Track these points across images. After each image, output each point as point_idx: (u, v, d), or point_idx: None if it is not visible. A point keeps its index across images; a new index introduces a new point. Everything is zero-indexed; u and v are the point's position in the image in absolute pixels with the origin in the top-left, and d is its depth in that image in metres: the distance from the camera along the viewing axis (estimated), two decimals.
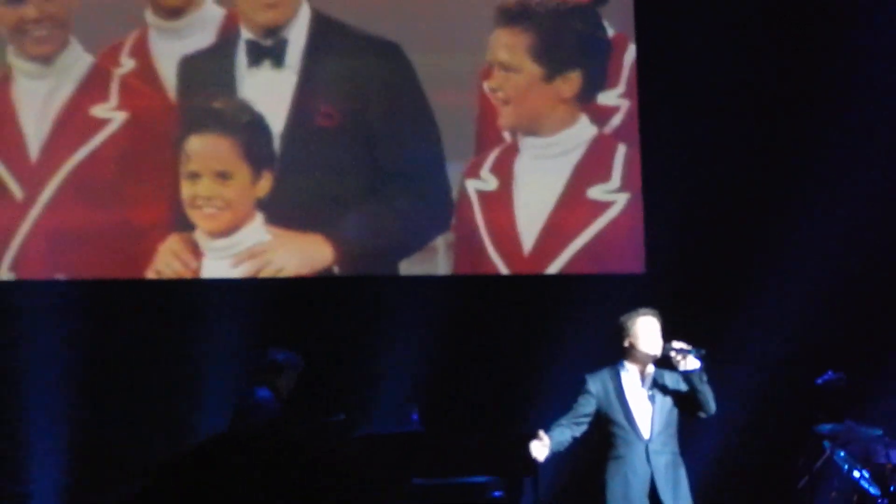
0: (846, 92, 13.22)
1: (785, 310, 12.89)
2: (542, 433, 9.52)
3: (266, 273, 12.74)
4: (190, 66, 12.79)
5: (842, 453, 11.39)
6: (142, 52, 12.72)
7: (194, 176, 12.64)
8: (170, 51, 12.73)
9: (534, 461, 10.23)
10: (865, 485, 11.33)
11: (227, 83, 12.82)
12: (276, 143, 12.82)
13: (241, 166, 12.73)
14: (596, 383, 9.55)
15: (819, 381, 11.52)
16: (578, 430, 9.62)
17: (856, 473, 11.35)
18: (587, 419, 9.58)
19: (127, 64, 12.68)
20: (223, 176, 12.70)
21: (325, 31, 12.92)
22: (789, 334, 12.77)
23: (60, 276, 12.42)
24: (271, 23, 12.85)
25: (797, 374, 12.14)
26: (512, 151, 13.07)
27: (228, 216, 12.70)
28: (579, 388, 9.66)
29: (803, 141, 13.24)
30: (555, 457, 10.39)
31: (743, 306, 12.84)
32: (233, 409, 11.30)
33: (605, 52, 13.27)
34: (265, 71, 12.81)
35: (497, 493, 11.25)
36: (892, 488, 11.37)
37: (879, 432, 11.55)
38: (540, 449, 9.47)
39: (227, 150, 12.74)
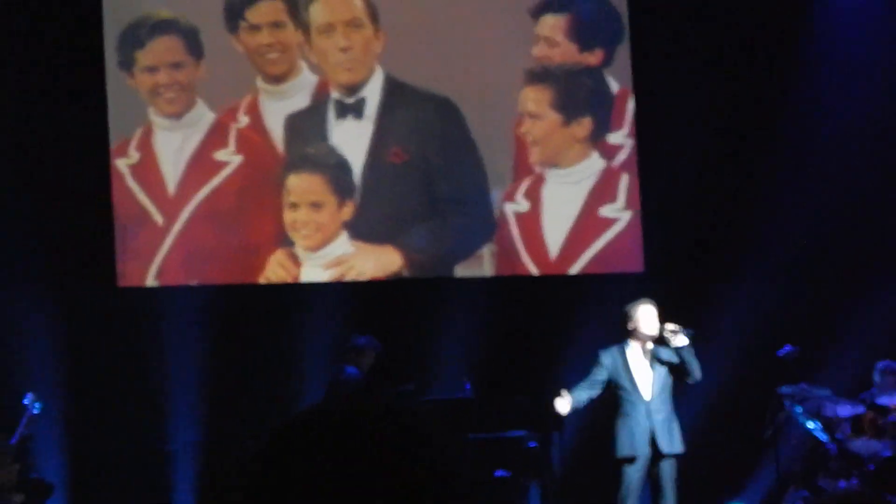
0: (809, 125, 13.19)
1: (753, 299, 12.79)
2: (564, 392, 9.61)
3: (349, 276, 12.65)
4: (292, 121, 12.64)
5: (799, 409, 11.42)
6: (254, 110, 12.58)
7: (293, 206, 12.56)
8: (275, 109, 12.60)
9: (560, 417, 10.31)
10: (817, 433, 11.38)
11: (320, 133, 12.66)
12: (357, 178, 12.67)
13: (330, 197, 12.65)
14: (607, 357, 9.68)
15: (780, 352, 11.45)
16: (593, 392, 9.68)
17: (810, 424, 11.40)
18: (600, 384, 9.66)
19: (242, 120, 12.54)
20: (316, 205, 12.63)
21: (394, 90, 12.75)
22: (757, 317, 12.68)
23: (193, 283, 12.38)
24: (351, 82, 12.69)
25: (763, 347, 11.99)
26: (540, 180, 12.99)
27: (320, 236, 12.61)
28: (594, 360, 9.75)
29: (768, 166, 13.21)
30: (575, 415, 10.41)
31: (721, 297, 12.74)
32: (327, 383, 11.27)
33: (611, 103, 13.12)
34: (349, 122, 12.69)
35: (532, 444, 11.40)
36: (837, 435, 11.41)
37: (828, 392, 11.68)
38: (562, 404, 9.57)
39: (318, 185, 12.65)
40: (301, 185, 12.66)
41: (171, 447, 11.97)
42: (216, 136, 12.59)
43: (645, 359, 9.71)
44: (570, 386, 9.81)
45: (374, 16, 12.78)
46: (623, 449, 9.65)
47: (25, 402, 10.77)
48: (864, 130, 13.32)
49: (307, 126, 12.72)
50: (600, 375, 9.69)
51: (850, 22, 13.39)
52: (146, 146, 12.48)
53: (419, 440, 1.53)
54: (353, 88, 12.80)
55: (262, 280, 12.54)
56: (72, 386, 11.80)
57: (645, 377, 9.69)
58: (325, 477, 1.48)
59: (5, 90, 11.91)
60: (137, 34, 12.41)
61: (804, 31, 13.32)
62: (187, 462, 11.84)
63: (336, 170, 12.73)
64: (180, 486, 11.81)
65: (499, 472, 11.34)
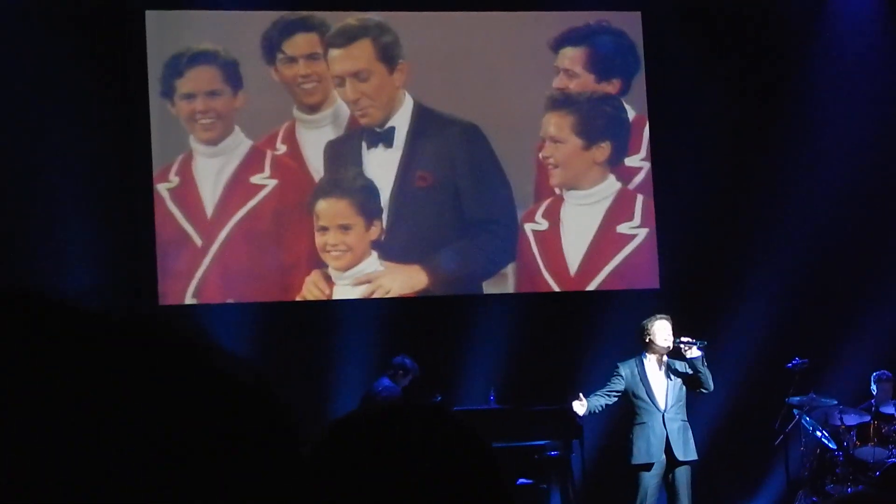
0: (816, 148, 13.41)
1: (764, 314, 12.92)
2: (581, 395, 9.87)
3: (378, 294, 12.75)
4: (327, 149, 12.83)
5: (807, 418, 11.56)
6: (290, 137, 12.75)
7: (323, 229, 12.74)
8: (310, 137, 12.80)
9: (579, 427, 10.71)
10: (825, 442, 11.62)
11: (353, 160, 12.86)
12: (386, 200, 12.82)
13: (357, 219, 12.81)
14: (625, 368, 9.95)
15: (789, 365, 11.55)
16: (609, 400, 9.93)
17: (818, 433, 11.59)
18: (617, 394, 9.91)
19: (280, 147, 12.73)
20: (344, 227, 12.78)
21: (422, 116, 12.94)
22: (767, 332, 12.80)
23: (230, 301, 12.51)
24: (374, 122, 12.89)
25: (773, 360, 12.11)
26: (559, 201, 13.14)
27: (350, 256, 12.75)
28: (612, 371, 10.02)
29: (776, 187, 13.38)
30: (594, 425, 10.82)
31: (733, 312, 12.88)
32: (363, 394, 11.33)
33: (628, 128, 13.31)
34: (379, 150, 12.89)
35: (553, 453, 11.55)
36: (844, 444, 11.60)
37: (835, 402, 11.79)
38: (579, 406, 9.84)
39: (345, 209, 12.80)
40: (329, 209, 12.83)
41: None
42: (253, 161, 12.78)
43: (661, 371, 9.92)
44: (588, 395, 10.04)
45: (387, 56, 13.01)
46: (640, 457, 9.82)
47: None
48: (874, 151, 13.48)
49: (341, 154, 12.92)
50: (618, 385, 9.94)
51: (855, 46, 13.61)
52: (186, 171, 12.65)
53: (469, 435, 1.54)
54: (381, 122, 13.02)
55: (298, 298, 12.70)
56: None
57: (660, 388, 9.88)
58: (382, 468, 1.47)
59: (58, 117, 12.14)
60: (178, 64, 12.67)
61: (810, 60, 13.53)
62: None
63: (363, 193, 12.90)
64: None
65: (521, 480, 11.45)
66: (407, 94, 13.08)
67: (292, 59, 12.90)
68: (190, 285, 12.57)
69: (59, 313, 0.84)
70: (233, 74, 12.81)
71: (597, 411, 10.04)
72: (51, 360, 0.80)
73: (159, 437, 0.78)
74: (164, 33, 12.70)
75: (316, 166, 12.89)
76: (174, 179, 12.67)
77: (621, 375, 9.93)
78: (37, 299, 0.84)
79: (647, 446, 9.79)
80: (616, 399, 9.96)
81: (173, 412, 0.79)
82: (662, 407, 9.84)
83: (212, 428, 0.80)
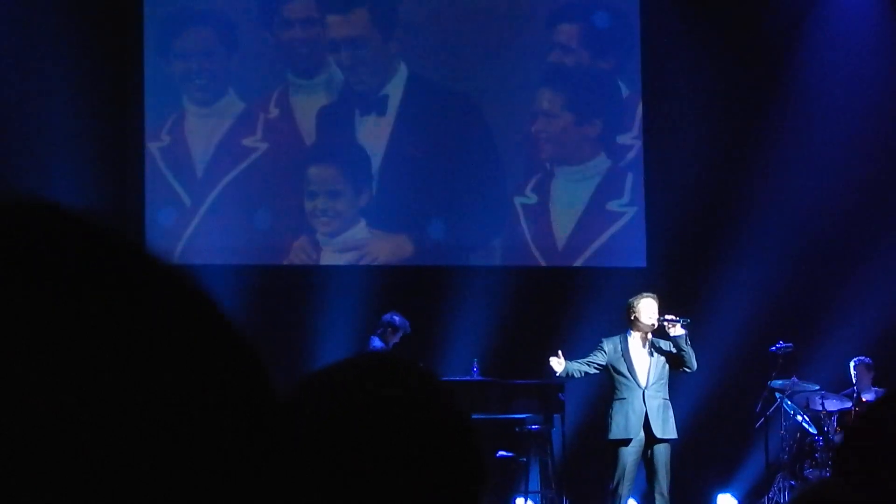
0: (805, 131, 13.43)
1: (750, 297, 12.94)
2: (560, 353, 9.95)
3: (365, 261, 12.89)
4: (320, 115, 12.89)
5: (789, 402, 11.57)
6: (283, 102, 12.84)
7: (313, 194, 12.83)
8: (304, 102, 12.91)
9: (562, 402, 10.83)
10: (806, 426, 11.59)
11: (345, 127, 12.94)
12: (376, 169, 12.88)
13: (347, 186, 12.91)
14: (609, 343, 9.96)
15: (773, 348, 11.56)
16: (588, 369, 9.97)
17: (799, 417, 11.59)
18: (597, 367, 9.93)
19: (272, 111, 12.79)
20: (334, 194, 12.88)
21: (416, 87, 13.02)
22: (752, 314, 12.81)
23: (218, 262, 12.40)
24: (369, 87, 12.98)
25: (757, 343, 12.14)
26: (550, 176, 13.24)
27: (338, 223, 12.88)
28: (596, 345, 10.05)
29: (765, 170, 13.41)
30: (576, 400, 10.97)
31: (719, 293, 12.91)
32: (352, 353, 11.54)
33: (621, 106, 13.39)
34: (372, 118, 13.00)
35: (534, 427, 11.62)
36: (825, 429, 11.59)
37: (817, 387, 11.79)
38: (556, 364, 9.90)
39: (336, 175, 12.91)
40: (319, 174, 12.94)
41: None
42: (245, 124, 12.84)
43: (644, 348, 9.94)
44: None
45: (384, 25, 13.06)
46: (618, 432, 9.87)
47: None
48: (867, 135, 13.52)
49: (333, 120, 13.00)
50: (598, 358, 9.99)
51: (848, 30, 13.63)
52: (178, 131, 12.73)
53: (440, 389, 1.53)
54: (375, 90, 13.07)
55: (285, 262, 12.84)
56: None
57: (643, 365, 9.93)
58: (352, 419, 1.47)
59: (51, 72, 12.15)
60: (174, 23, 12.71)
61: (804, 43, 13.58)
62: None
63: (354, 160, 12.99)
64: None
65: (501, 453, 11.55)
66: (402, 63, 13.11)
67: (289, 23, 12.94)
68: (178, 245, 12.62)
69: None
70: (227, 35, 12.84)
71: (574, 376, 10.12)
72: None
73: (158, 375, 0.74)
74: None
75: (308, 131, 12.97)
76: (165, 139, 12.74)
77: (604, 350, 9.99)
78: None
79: (626, 422, 9.84)
80: (596, 371, 10.03)
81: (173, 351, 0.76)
82: (643, 384, 9.88)
83: (208, 377, 0.77)
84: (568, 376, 10.12)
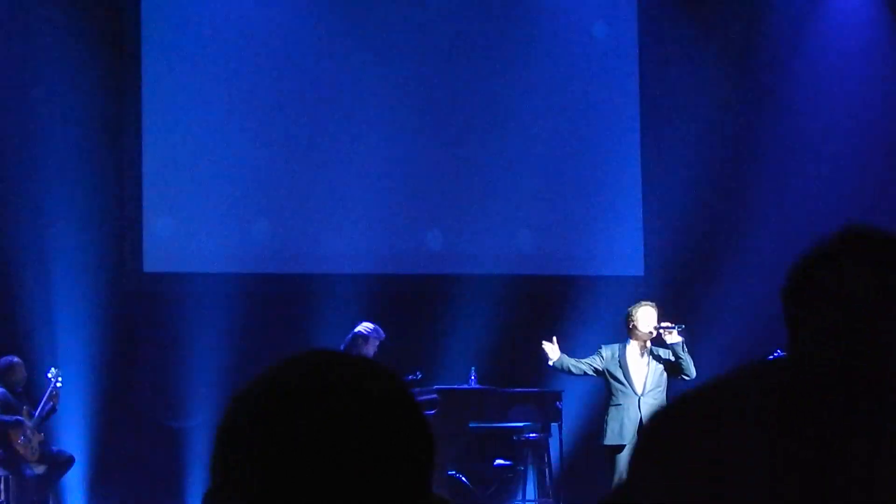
0: (802, 139, 13.49)
1: (747, 304, 12.81)
2: (554, 339, 10.06)
3: (363, 270, 12.50)
4: (318, 121, 12.74)
5: None
6: (283, 106, 12.63)
7: (311, 202, 12.66)
8: (302, 107, 12.70)
9: (559, 411, 10.84)
10: None
11: (342, 133, 12.72)
12: (373, 177, 12.67)
13: (344, 195, 12.68)
14: (607, 350, 9.98)
15: (771, 357, 10.14)
16: (583, 367, 10.00)
17: None
18: (590, 367, 9.95)
19: (272, 116, 12.66)
20: (331, 202, 12.70)
21: (414, 95, 12.93)
22: (750, 322, 12.64)
23: (215, 270, 12.26)
24: (375, 86, 12.82)
25: (755, 351, 11.78)
26: (547, 184, 13.11)
27: (336, 231, 12.70)
28: (596, 351, 10.05)
29: (761, 179, 13.52)
30: (573, 409, 11.01)
31: (716, 300, 13.01)
32: None
33: (618, 115, 13.31)
34: (369, 125, 12.75)
35: (532, 435, 11.63)
36: None
37: None
38: (550, 349, 10.00)
39: (333, 184, 12.72)
40: (317, 182, 12.81)
41: (187, 424, 12.07)
42: (244, 130, 12.69)
43: (642, 357, 9.97)
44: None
45: (381, 31, 12.96)
46: (612, 438, 9.90)
47: (48, 375, 10.93)
48: (867, 133, 13.57)
49: (331, 126, 12.86)
50: (594, 361, 10.03)
51: (847, 36, 13.67)
52: (176, 138, 12.57)
53: (379, 371, 1.54)
54: (372, 95, 12.88)
55: (282, 271, 12.76)
56: (94, 362, 11.94)
57: (639, 372, 9.95)
58: (292, 406, 1.48)
59: (50, 58, 12.06)
60: (174, 27, 12.58)
61: (800, 52, 13.64)
62: (202, 437, 11.91)
63: (352, 169, 12.82)
64: (196, 461, 11.91)
65: (498, 461, 11.56)
66: (401, 70, 13.01)
67: (286, 26, 12.83)
68: (175, 253, 12.53)
69: None
70: (228, 40, 12.72)
71: (570, 371, 10.14)
72: None
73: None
74: None
75: (306, 137, 12.82)
76: (164, 146, 12.61)
77: (602, 356, 10.03)
78: None
79: (620, 428, 9.87)
80: (590, 372, 10.06)
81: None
82: (640, 391, 9.91)
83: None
84: (562, 368, 10.14)
